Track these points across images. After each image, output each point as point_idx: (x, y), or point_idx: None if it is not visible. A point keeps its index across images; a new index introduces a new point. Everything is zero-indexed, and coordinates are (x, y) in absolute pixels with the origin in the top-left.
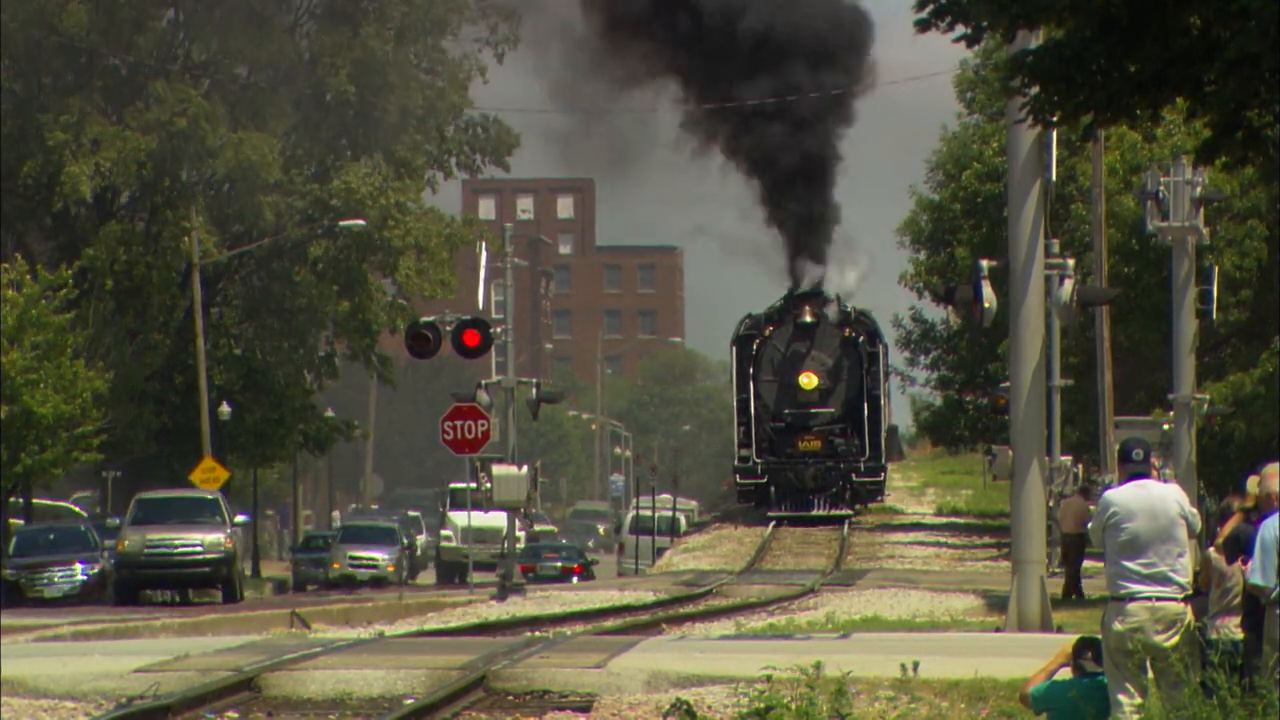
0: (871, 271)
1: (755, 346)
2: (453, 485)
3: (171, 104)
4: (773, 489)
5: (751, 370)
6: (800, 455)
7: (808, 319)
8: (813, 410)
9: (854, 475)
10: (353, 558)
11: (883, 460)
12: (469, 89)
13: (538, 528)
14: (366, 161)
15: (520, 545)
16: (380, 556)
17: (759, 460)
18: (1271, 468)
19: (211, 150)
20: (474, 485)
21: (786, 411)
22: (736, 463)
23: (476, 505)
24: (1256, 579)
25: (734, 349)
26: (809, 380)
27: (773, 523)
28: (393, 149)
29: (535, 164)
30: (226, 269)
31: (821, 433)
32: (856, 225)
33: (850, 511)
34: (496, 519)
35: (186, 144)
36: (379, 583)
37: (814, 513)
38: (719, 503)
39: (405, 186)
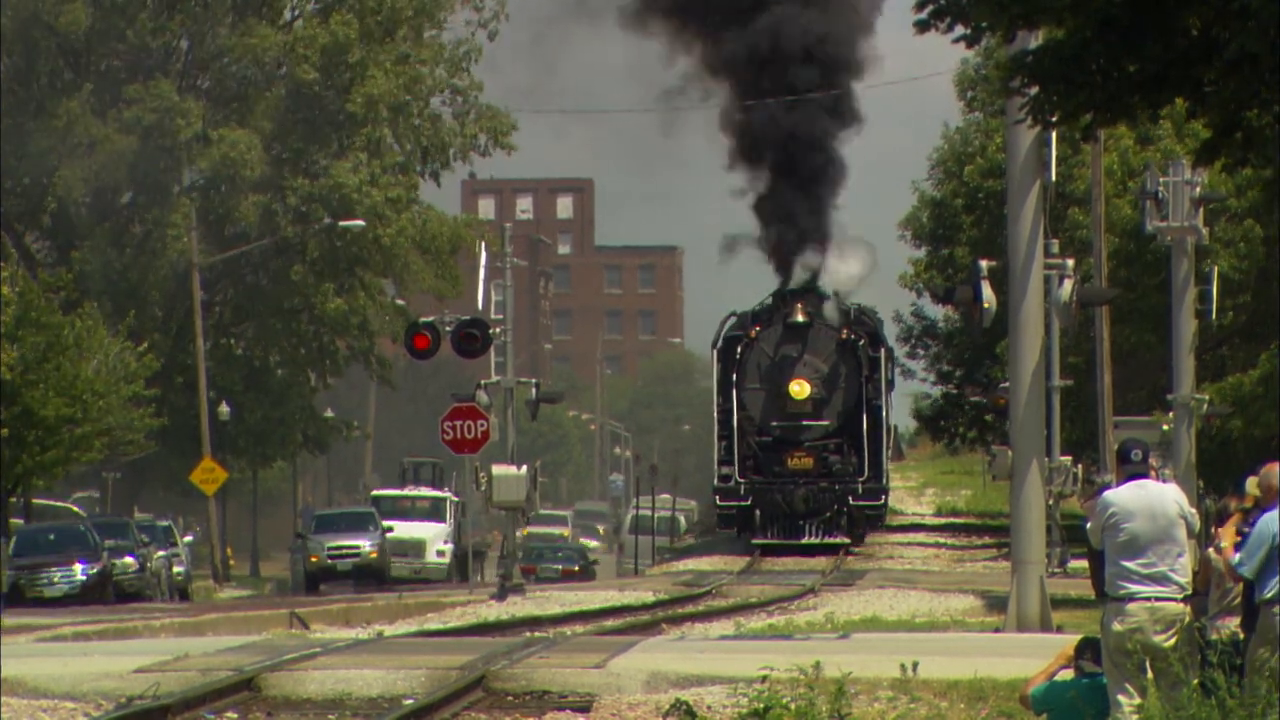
0: (873, 269)
1: (740, 350)
2: (375, 492)
3: (148, 102)
4: (758, 513)
5: (735, 377)
6: (789, 474)
7: (799, 318)
8: (804, 423)
9: (851, 498)
10: (331, 548)
11: (884, 481)
12: (465, 75)
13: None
14: (351, 157)
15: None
16: (362, 544)
17: (742, 480)
18: (1273, 466)
19: (187, 148)
20: (401, 492)
21: (774, 424)
22: (717, 482)
23: (401, 514)
24: (1244, 570)
25: (716, 352)
26: (800, 389)
27: (757, 551)
28: (356, 139)
29: (535, 163)
30: (223, 270)
31: (814, 449)
32: (857, 221)
33: (846, 540)
34: (420, 530)
35: (162, 141)
36: (364, 572)
37: (805, 540)
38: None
39: (398, 183)
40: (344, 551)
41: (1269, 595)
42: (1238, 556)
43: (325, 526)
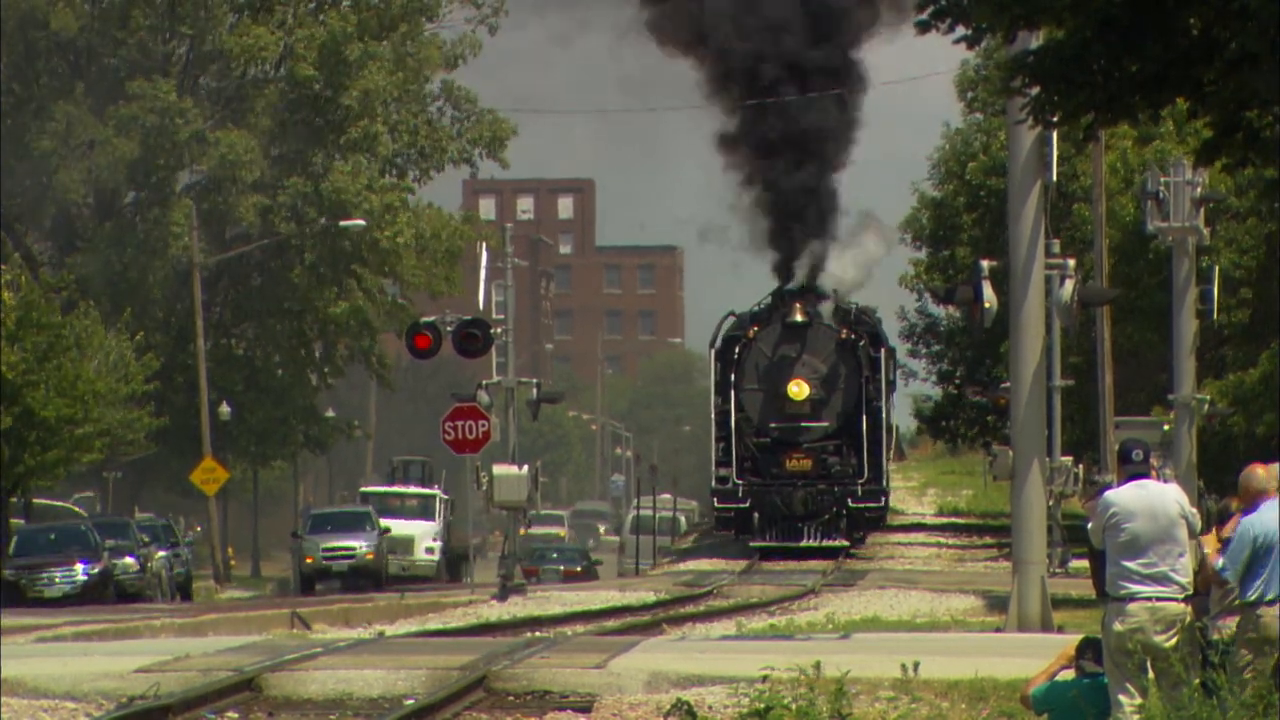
0: (887, 252)
1: (738, 350)
2: (364, 489)
3: (149, 101)
4: (756, 515)
5: (733, 377)
6: (788, 476)
7: (798, 318)
8: (803, 424)
9: (850, 500)
10: (326, 549)
11: (884, 483)
12: (460, 88)
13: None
14: (350, 159)
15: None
16: (357, 545)
17: (740, 482)
18: (1254, 468)
19: (187, 147)
20: (389, 489)
21: (773, 425)
22: (714, 484)
23: (390, 512)
24: (1228, 575)
25: (714, 352)
26: (799, 389)
27: (756, 555)
28: (351, 132)
29: (536, 163)
30: (224, 270)
31: (813, 450)
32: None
33: (845, 543)
34: (409, 527)
35: (161, 141)
36: (360, 573)
37: (804, 543)
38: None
39: (396, 185)
40: (339, 553)
41: (1251, 598)
42: (1221, 561)
43: (321, 526)
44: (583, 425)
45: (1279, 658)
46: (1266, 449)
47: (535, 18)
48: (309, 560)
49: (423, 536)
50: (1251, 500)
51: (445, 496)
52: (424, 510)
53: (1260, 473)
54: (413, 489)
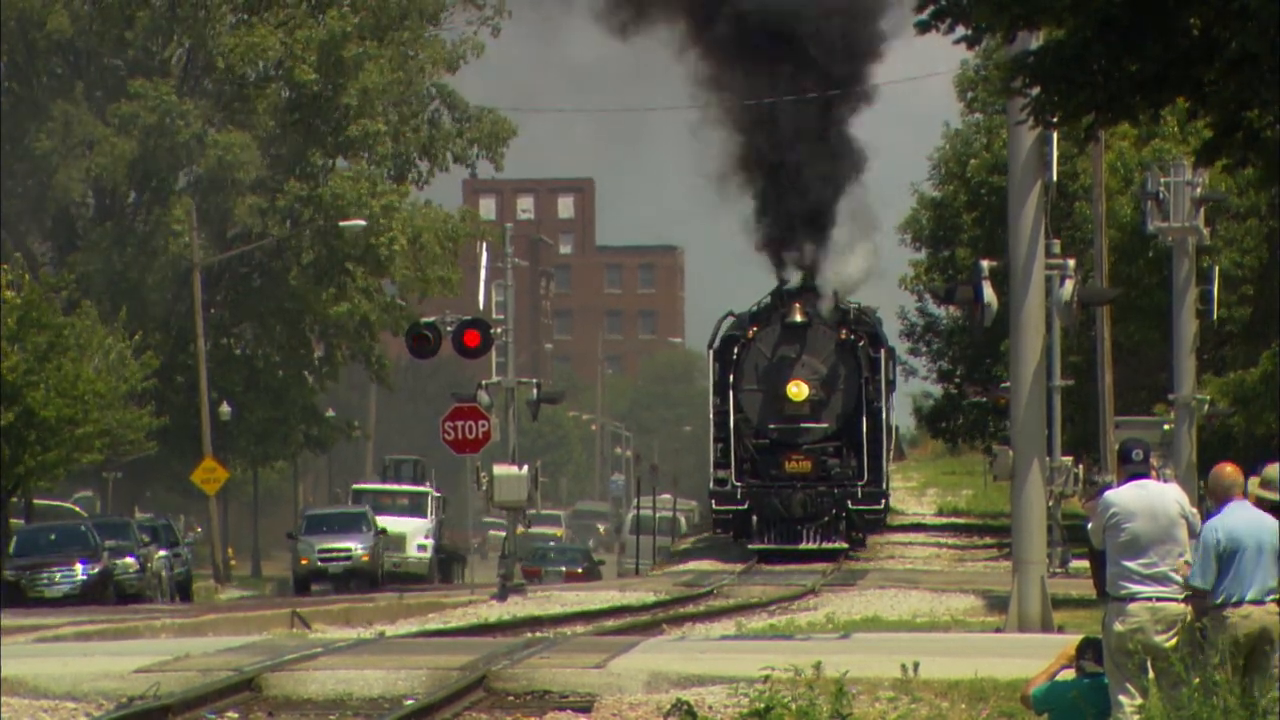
0: (876, 258)
1: (737, 350)
2: (356, 486)
3: (150, 100)
4: (755, 517)
5: (732, 378)
6: (787, 478)
7: (798, 318)
8: (802, 425)
9: (850, 502)
10: (322, 550)
11: (884, 485)
12: (458, 96)
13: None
14: (351, 160)
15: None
16: (354, 546)
17: (739, 484)
18: (1222, 466)
19: (186, 148)
20: (382, 486)
21: (772, 426)
22: (713, 485)
23: (382, 509)
24: (1197, 581)
25: (713, 353)
26: (798, 390)
27: (756, 556)
28: (350, 129)
29: (536, 163)
30: (223, 269)
31: (812, 452)
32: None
33: (844, 545)
34: (401, 524)
35: (161, 141)
36: (355, 575)
37: (802, 546)
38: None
39: (394, 189)
40: (335, 554)
41: (1219, 600)
42: (1192, 571)
43: (316, 527)
44: (583, 425)
45: (1275, 658)
46: (1266, 449)
47: (532, 13)
48: (304, 562)
49: (414, 534)
50: (1219, 500)
51: (437, 494)
52: (416, 508)
53: (1228, 471)
54: (405, 486)
